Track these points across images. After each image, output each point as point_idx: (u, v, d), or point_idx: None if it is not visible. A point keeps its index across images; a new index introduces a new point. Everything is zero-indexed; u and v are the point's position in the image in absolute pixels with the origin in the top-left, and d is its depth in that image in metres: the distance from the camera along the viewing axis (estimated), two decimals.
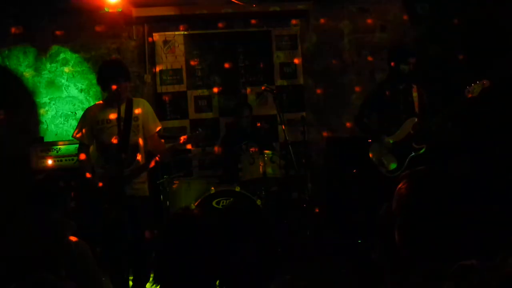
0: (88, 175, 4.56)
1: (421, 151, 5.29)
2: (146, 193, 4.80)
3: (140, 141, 4.75)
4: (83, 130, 4.71)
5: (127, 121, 4.56)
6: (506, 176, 5.92)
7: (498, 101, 5.89)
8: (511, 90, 6.09)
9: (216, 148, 6.65)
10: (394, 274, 2.12)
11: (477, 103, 5.09)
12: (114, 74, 4.57)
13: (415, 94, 5.42)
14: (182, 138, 4.87)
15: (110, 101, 4.65)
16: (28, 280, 2.69)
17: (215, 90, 7.39)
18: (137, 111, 4.69)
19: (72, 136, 4.85)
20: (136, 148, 4.72)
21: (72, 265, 3.08)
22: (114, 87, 4.50)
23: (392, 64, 5.41)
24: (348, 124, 7.17)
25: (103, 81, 4.64)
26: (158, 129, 4.94)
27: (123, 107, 4.58)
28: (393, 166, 5.34)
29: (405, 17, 7.64)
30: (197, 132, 5.09)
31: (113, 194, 4.35)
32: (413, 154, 5.29)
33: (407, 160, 5.29)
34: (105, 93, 4.77)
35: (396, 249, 2.05)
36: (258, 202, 5.65)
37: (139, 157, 4.74)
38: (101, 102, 4.87)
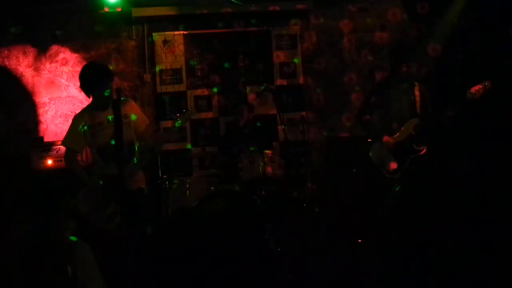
0: (85, 177, 4.55)
1: (422, 152, 5.28)
2: (144, 183, 4.80)
3: (134, 139, 4.75)
4: (73, 137, 4.68)
5: (118, 120, 4.54)
6: (505, 176, 5.93)
7: (498, 101, 5.89)
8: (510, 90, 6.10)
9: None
10: (392, 272, 2.13)
11: (478, 103, 5.08)
12: (102, 77, 4.55)
13: (417, 93, 5.40)
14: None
15: (97, 104, 4.63)
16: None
17: (215, 89, 7.39)
18: (124, 110, 4.66)
19: (62, 144, 4.79)
20: (132, 145, 4.72)
21: (73, 265, 3.08)
22: (108, 88, 4.50)
23: (395, 64, 5.40)
24: (348, 123, 7.18)
25: (91, 86, 4.59)
26: (146, 124, 4.90)
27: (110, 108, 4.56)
28: (393, 166, 5.32)
29: (404, 16, 7.64)
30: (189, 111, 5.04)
31: (117, 193, 4.35)
32: (413, 155, 5.28)
33: (408, 161, 5.27)
34: (92, 97, 4.69)
35: (394, 247, 2.07)
36: (258, 201, 5.64)
37: (135, 154, 4.74)
38: (87, 107, 4.81)
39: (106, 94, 4.50)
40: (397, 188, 2.05)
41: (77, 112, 4.94)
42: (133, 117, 4.71)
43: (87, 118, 4.65)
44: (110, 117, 4.55)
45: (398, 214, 1.95)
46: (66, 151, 4.76)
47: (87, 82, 4.60)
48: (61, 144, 4.80)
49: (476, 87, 4.99)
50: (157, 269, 4.73)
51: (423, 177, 4.92)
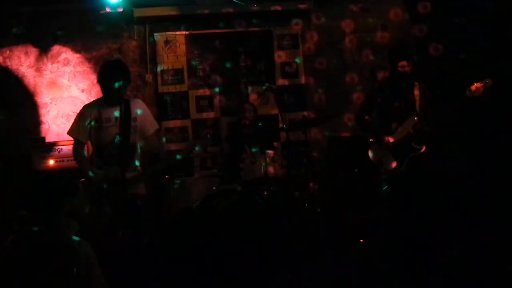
0: (89, 172, 4.54)
1: (421, 151, 5.29)
2: (144, 191, 4.79)
3: (138, 142, 4.74)
4: (80, 128, 4.67)
5: (126, 122, 4.53)
6: (505, 175, 5.93)
7: (499, 99, 5.89)
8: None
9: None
10: (392, 272, 2.13)
11: (478, 101, 5.08)
12: (116, 73, 4.56)
13: (416, 92, 5.41)
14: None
15: (109, 100, 4.63)
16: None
17: (217, 89, 7.40)
18: (135, 111, 4.67)
19: (68, 133, 4.80)
20: (134, 149, 4.70)
21: (76, 265, 3.08)
22: (120, 83, 4.48)
23: (392, 64, 5.42)
24: (349, 123, 7.18)
25: (104, 79, 4.61)
26: (155, 129, 4.90)
27: (121, 107, 4.55)
28: (392, 165, 5.34)
29: (406, 16, 7.63)
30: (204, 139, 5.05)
31: (115, 194, 4.34)
32: (413, 154, 5.29)
33: (407, 159, 5.28)
34: (105, 92, 4.72)
35: (393, 248, 2.08)
36: (260, 201, 5.64)
37: (137, 158, 4.73)
38: (99, 100, 4.82)
39: (116, 86, 4.48)
40: (384, 188, 2.06)
41: (86, 103, 4.95)
42: (139, 111, 4.70)
43: (95, 112, 4.64)
44: (116, 113, 4.53)
45: (388, 214, 1.96)
46: (75, 143, 4.75)
47: (100, 74, 4.64)
48: (67, 133, 4.79)
49: (477, 85, 5.00)
50: (158, 269, 4.73)
51: (412, 176, 4.94)
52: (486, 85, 4.99)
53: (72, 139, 4.83)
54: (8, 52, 7.09)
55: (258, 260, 4.89)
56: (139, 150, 4.75)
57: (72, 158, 6.02)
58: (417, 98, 5.40)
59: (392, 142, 5.33)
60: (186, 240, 5.15)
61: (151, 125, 4.86)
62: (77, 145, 4.72)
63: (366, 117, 5.63)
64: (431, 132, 5.25)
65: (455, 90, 5.29)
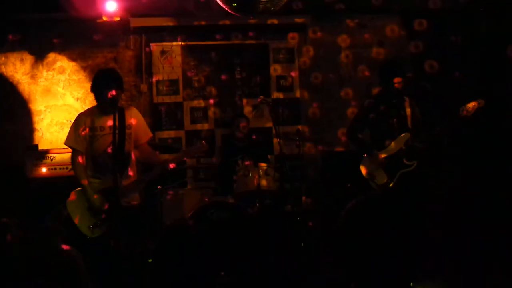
0: (85, 182, 4.51)
1: (412, 167, 5.30)
2: (138, 201, 4.77)
3: (132, 150, 4.73)
4: (77, 137, 4.65)
5: (121, 130, 4.52)
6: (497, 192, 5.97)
7: (491, 118, 5.92)
8: (504, 107, 6.15)
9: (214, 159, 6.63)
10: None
11: (470, 120, 5.12)
12: (110, 81, 4.56)
13: (408, 108, 5.43)
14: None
15: (103, 109, 4.62)
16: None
17: (211, 101, 7.39)
18: (129, 119, 4.66)
19: (64, 143, 4.77)
20: (129, 157, 4.69)
21: (63, 273, 3.06)
22: (113, 92, 4.47)
23: (386, 79, 5.43)
24: (343, 138, 7.18)
25: (98, 88, 4.61)
26: (149, 137, 4.90)
27: (115, 116, 4.54)
28: (383, 180, 5.34)
29: (402, 32, 7.67)
30: (200, 144, 5.06)
31: (109, 204, 4.32)
32: (404, 169, 5.30)
33: (397, 175, 5.30)
34: (98, 101, 4.71)
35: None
36: (252, 214, 5.62)
37: (131, 166, 4.72)
38: (93, 108, 4.81)
39: (109, 94, 4.48)
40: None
41: (80, 111, 4.94)
42: (134, 119, 4.70)
43: (90, 121, 4.64)
44: (110, 121, 4.52)
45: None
46: (72, 152, 4.72)
47: (94, 83, 4.64)
48: (64, 143, 4.76)
49: (470, 104, 5.05)
50: (151, 279, 4.70)
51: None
52: (479, 105, 5.05)
53: (66, 147, 4.81)
54: (3, 58, 7.08)
55: (250, 273, 4.87)
56: (133, 159, 4.74)
57: (64, 166, 6.05)
58: (408, 114, 5.42)
59: (384, 158, 5.34)
60: (178, 251, 5.11)
61: (145, 134, 4.86)
62: (74, 154, 4.69)
63: (359, 135, 5.64)
64: (423, 148, 5.27)
65: (449, 108, 5.32)
